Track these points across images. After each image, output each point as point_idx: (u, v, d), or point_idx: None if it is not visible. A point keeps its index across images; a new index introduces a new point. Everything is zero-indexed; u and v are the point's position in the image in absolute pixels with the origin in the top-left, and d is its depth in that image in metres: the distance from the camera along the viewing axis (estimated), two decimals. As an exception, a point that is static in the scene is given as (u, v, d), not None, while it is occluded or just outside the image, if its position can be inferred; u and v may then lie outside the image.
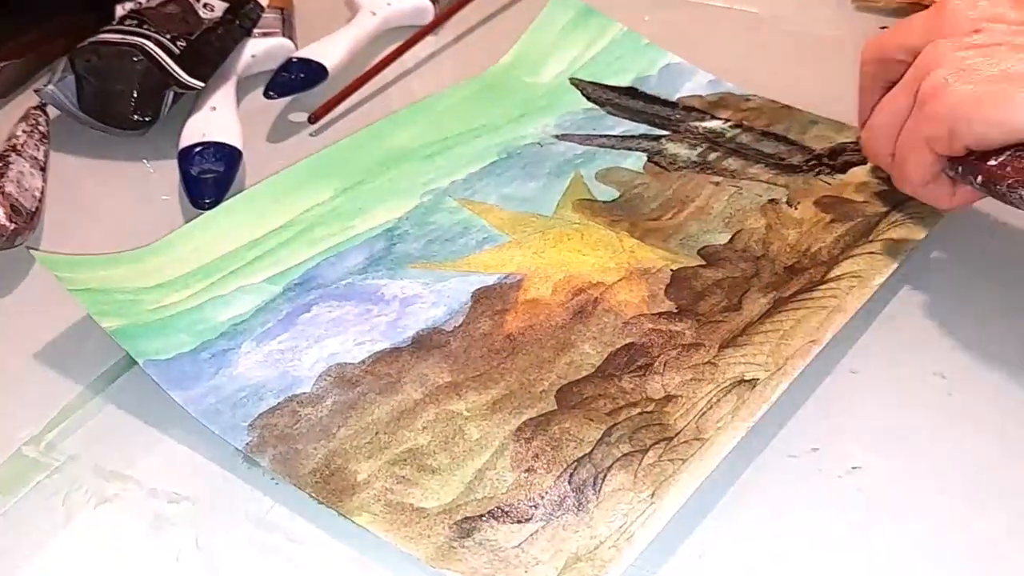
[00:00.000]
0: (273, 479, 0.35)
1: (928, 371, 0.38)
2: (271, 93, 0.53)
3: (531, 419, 0.36)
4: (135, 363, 0.38)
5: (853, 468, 0.35)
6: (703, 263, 0.42)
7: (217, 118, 0.51)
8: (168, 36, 0.51)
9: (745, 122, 0.50)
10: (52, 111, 0.51)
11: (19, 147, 0.48)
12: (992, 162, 0.36)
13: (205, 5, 0.54)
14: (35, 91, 0.52)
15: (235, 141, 0.49)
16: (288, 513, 0.34)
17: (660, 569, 0.32)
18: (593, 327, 0.39)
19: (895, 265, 0.40)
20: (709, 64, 0.54)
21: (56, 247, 0.45)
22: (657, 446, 0.34)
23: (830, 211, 0.44)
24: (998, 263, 0.42)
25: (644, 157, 0.48)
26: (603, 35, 0.56)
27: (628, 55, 0.55)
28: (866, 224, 0.43)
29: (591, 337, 0.39)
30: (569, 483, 0.33)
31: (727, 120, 0.51)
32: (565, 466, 0.34)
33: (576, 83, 0.54)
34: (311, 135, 0.53)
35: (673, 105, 0.52)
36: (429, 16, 0.60)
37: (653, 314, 0.39)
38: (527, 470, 0.34)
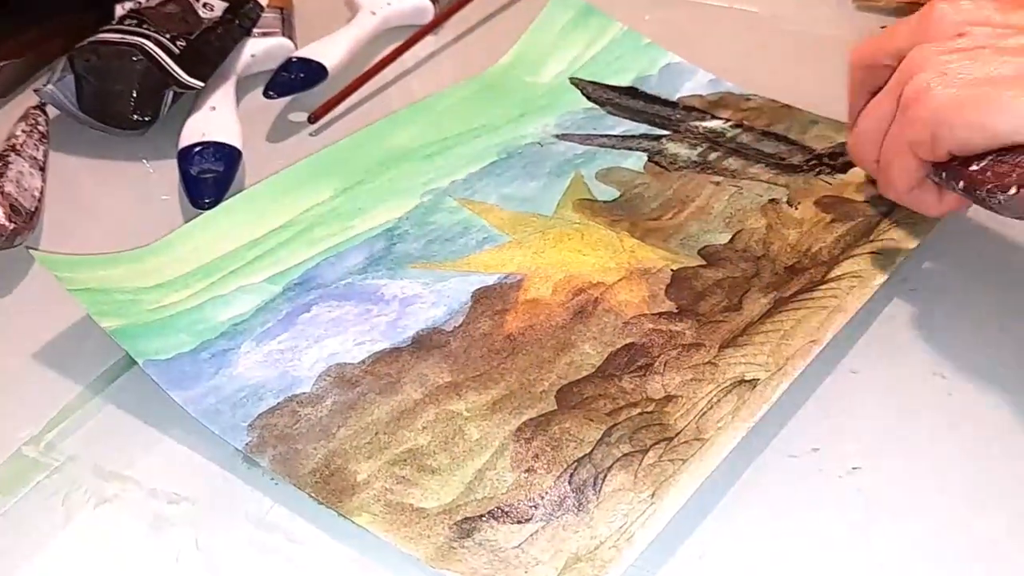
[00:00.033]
0: (273, 479, 0.35)
1: (928, 371, 0.38)
2: (271, 93, 0.53)
3: (531, 419, 0.36)
4: (135, 363, 0.38)
5: (853, 468, 0.35)
6: (703, 263, 0.42)
7: (217, 118, 0.51)
8: (168, 36, 0.51)
9: (745, 122, 0.50)
10: (51, 111, 0.51)
11: (18, 147, 0.48)
12: (974, 167, 0.36)
13: (205, 5, 0.54)
14: (34, 91, 0.52)
15: (235, 141, 0.49)
16: (288, 513, 0.34)
17: (660, 569, 0.32)
18: (593, 327, 0.39)
19: (896, 265, 0.40)
20: (709, 64, 0.54)
21: (56, 247, 0.45)
22: (657, 446, 0.34)
23: (831, 211, 0.44)
24: (999, 264, 0.42)
25: (644, 157, 0.48)
26: (603, 35, 0.56)
27: (628, 55, 0.55)
28: (867, 224, 0.43)
29: (591, 337, 0.39)
30: (569, 483, 0.33)
31: (727, 120, 0.51)
32: (565, 466, 0.34)
33: (576, 83, 0.54)
34: (311, 135, 0.53)
35: (673, 105, 0.52)
36: (429, 16, 0.60)
37: (653, 314, 0.39)
38: (527, 470, 0.34)
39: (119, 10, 0.55)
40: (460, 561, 0.31)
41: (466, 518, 0.33)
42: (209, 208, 0.46)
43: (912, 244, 0.41)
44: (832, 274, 0.40)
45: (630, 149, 0.49)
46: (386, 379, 0.37)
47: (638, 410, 0.36)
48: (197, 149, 0.49)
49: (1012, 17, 0.37)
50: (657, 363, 0.37)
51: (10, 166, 0.46)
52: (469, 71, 0.55)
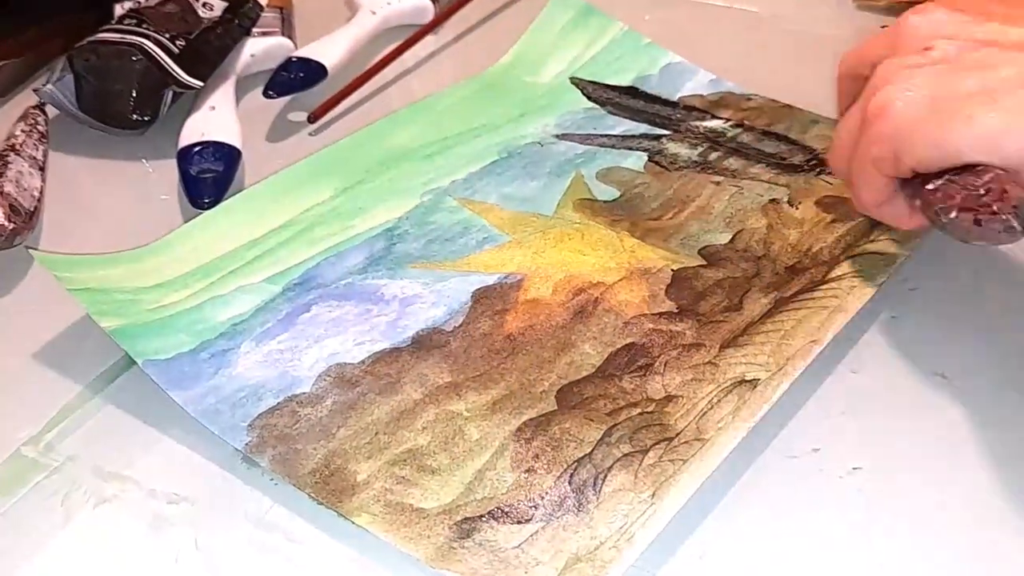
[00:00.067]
0: (272, 479, 0.35)
1: (929, 371, 0.38)
2: (270, 92, 0.53)
3: (531, 419, 0.35)
4: (134, 363, 0.38)
5: (854, 469, 0.35)
6: (704, 263, 0.42)
7: (216, 117, 0.51)
8: (167, 35, 0.51)
9: (746, 121, 0.50)
10: (51, 110, 0.51)
11: (18, 147, 0.48)
12: (930, 185, 0.35)
13: (204, 4, 0.54)
14: (34, 90, 0.52)
15: (234, 140, 0.49)
16: (287, 513, 0.34)
17: (660, 570, 0.32)
18: (593, 327, 0.39)
19: (896, 265, 0.40)
20: (710, 63, 0.54)
21: (55, 247, 0.45)
22: (658, 446, 0.34)
23: (831, 211, 0.44)
24: (1000, 264, 0.42)
25: (645, 157, 0.48)
26: (603, 34, 0.56)
27: (629, 54, 0.55)
28: (867, 224, 0.42)
29: (591, 337, 0.39)
30: (569, 483, 0.33)
31: (728, 120, 0.50)
32: (565, 466, 0.34)
33: (576, 82, 0.54)
34: (310, 134, 0.53)
35: (674, 104, 0.52)
36: (429, 15, 0.60)
37: (654, 314, 0.39)
38: (527, 470, 0.34)
39: (118, 10, 0.55)
40: (460, 561, 0.31)
41: (466, 518, 0.33)
42: (209, 208, 0.46)
43: (913, 244, 0.41)
44: (833, 274, 0.40)
45: (630, 149, 0.49)
46: (386, 379, 0.37)
47: (638, 410, 0.36)
48: (197, 149, 0.49)
49: (981, 30, 0.35)
50: (657, 363, 0.37)
51: (9, 166, 0.46)
52: (469, 71, 0.55)
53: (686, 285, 0.41)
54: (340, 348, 0.39)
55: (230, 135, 0.50)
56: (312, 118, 0.53)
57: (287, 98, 0.54)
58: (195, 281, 0.42)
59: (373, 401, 0.37)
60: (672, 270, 0.41)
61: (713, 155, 0.48)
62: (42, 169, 0.48)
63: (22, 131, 0.49)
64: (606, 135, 0.50)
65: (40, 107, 0.51)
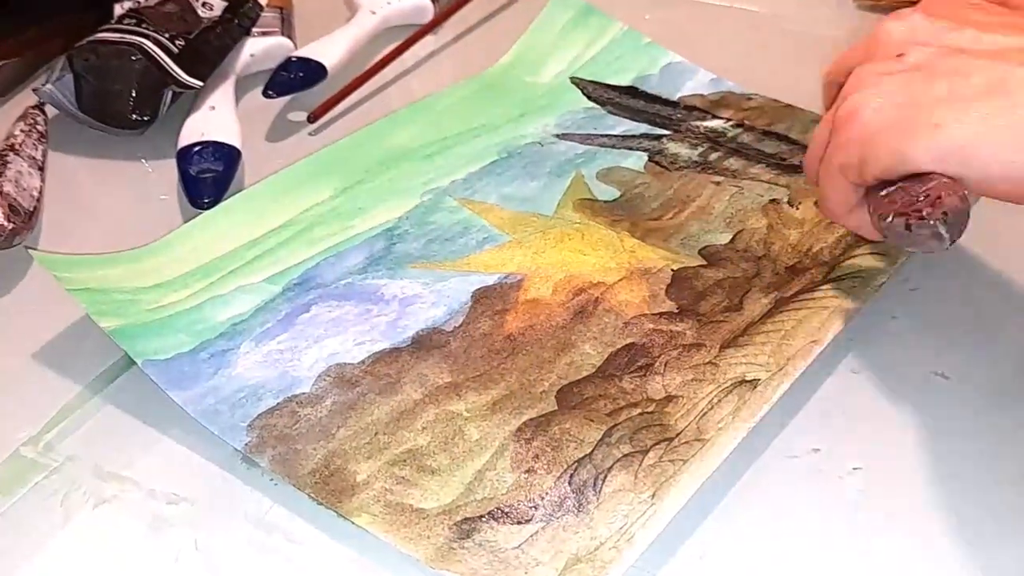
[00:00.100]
0: (272, 480, 0.35)
1: (929, 371, 0.38)
2: (270, 92, 0.53)
3: (531, 419, 0.35)
4: (134, 363, 0.38)
5: (854, 469, 0.35)
6: (704, 263, 0.42)
7: (216, 117, 0.51)
8: (167, 35, 0.51)
9: (747, 121, 0.50)
10: (50, 110, 0.51)
11: (17, 146, 0.48)
12: (882, 192, 0.34)
13: (204, 4, 0.54)
14: (33, 90, 0.52)
15: (234, 140, 0.49)
16: (287, 514, 0.34)
17: (661, 570, 0.32)
18: (594, 327, 0.39)
19: (897, 265, 0.40)
20: (710, 63, 0.54)
21: (54, 247, 0.45)
22: (658, 447, 0.34)
23: (831, 211, 0.44)
24: (1000, 263, 0.42)
25: (645, 157, 0.48)
26: (604, 34, 0.56)
27: (629, 54, 0.55)
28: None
29: (592, 337, 0.39)
30: (569, 484, 0.33)
31: (728, 119, 0.50)
32: (565, 467, 0.34)
33: (577, 82, 0.54)
34: (310, 134, 0.52)
35: (674, 104, 0.52)
36: (429, 15, 0.60)
37: (654, 314, 0.39)
38: (527, 471, 0.34)
39: (118, 9, 0.55)
40: (460, 562, 0.31)
41: (466, 519, 0.33)
42: (208, 208, 0.46)
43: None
44: (833, 274, 0.40)
45: (630, 149, 0.49)
46: (386, 379, 0.37)
47: (638, 410, 0.36)
48: (196, 149, 0.49)
49: (955, 37, 0.35)
50: (657, 363, 0.37)
51: (9, 166, 0.46)
52: (469, 71, 0.55)
53: (686, 285, 0.41)
54: (340, 348, 0.39)
55: (230, 135, 0.49)
56: (312, 118, 0.52)
57: (287, 98, 0.54)
58: (195, 281, 0.42)
59: (373, 401, 0.36)
60: (672, 270, 0.41)
61: (713, 155, 0.48)
62: (41, 169, 0.48)
63: (21, 131, 0.49)
64: (606, 135, 0.50)
65: (39, 107, 0.51)
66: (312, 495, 0.34)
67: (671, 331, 0.39)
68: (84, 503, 0.35)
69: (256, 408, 0.36)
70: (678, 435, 0.34)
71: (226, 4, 0.54)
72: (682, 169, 0.47)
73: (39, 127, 0.50)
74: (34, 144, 0.49)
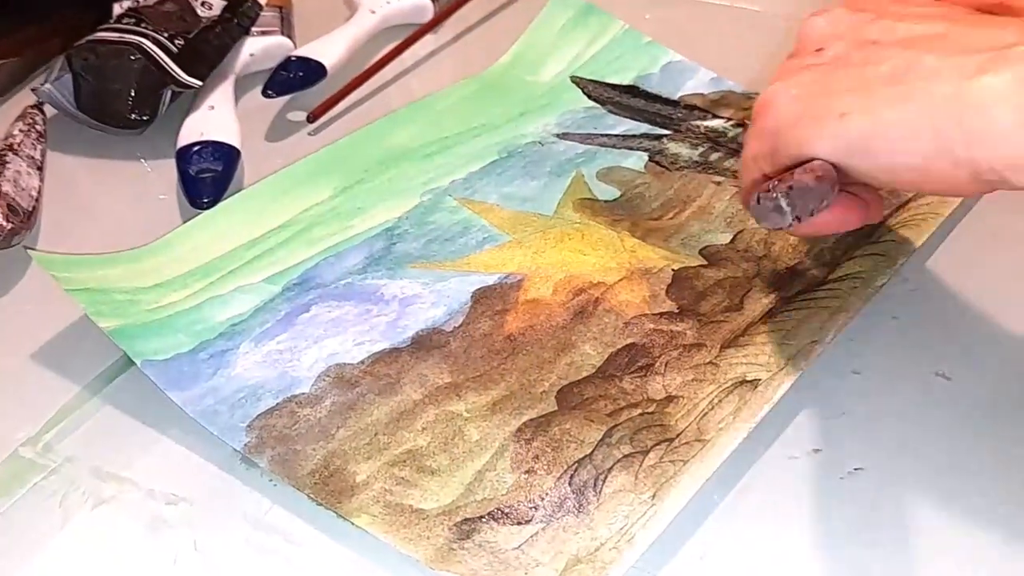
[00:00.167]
0: (271, 480, 0.35)
1: (930, 372, 0.38)
2: (269, 92, 0.52)
3: (531, 420, 0.35)
4: (133, 363, 0.38)
5: (855, 469, 0.35)
6: (705, 263, 0.42)
7: (215, 117, 0.51)
8: (166, 34, 0.51)
9: (747, 121, 0.50)
10: (49, 110, 0.51)
11: (16, 146, 0.48)
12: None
13: (203, 3, 0.54)
14: (32, 90, 0.52)
15: (233, 140, 0.49)
16: (286, 514, 0.34)
17: (661, 570, 0.32)
18: (594, 327, 0.39)
19: (897, 266, 0.40)
20: (711, 62, 0.54)
21: (53, 247, 0.45)
22: (658, 447, 0.34)
23: (832, 210, 0.44)
24: (1000, 264, 0.42)
25: (645, 157, 0.48)
26: (604, 33, 0.56)
27: (629, 53, 0.55)
28: (868, 225, 0.42)
29: (592, 337, 0.38)
30: (569, 484, 0.33)
31: (728, 119, 0.50)
32: (565, 467, 0.34)
33: (577, 81, 0.54)
34: (310, 134, 0.52)
35: (674, 103, 0.52)
36: (428, 14, 0.60)
37: (654, 314, 0.39)
38: (527, 471, 0.34)
39: (117, 9, 0.55)
40: (460, 563, 0.31)
41: (466, 519, 0.32)
42: (208, 208, 0.46)
43: (914, 245, 0.41)
44: (834, 275, 0.40)
45: (631, 149, 0.49)
46: (385, 379, 0.37)
47: (639, 411, 0.35)
48: (196, 148, 0.48)
49: (872, 29, 0.34)
50: (658, 363, 0.37)
51: (8, 165, 0.46)
52: (469, 70, 0.54)
53: (687, 285, 0.41)
54: (339, 348, 0.38)
55: (229, 135, 0.49)
56: (311, 117, 0.52)
57: (286, 97, 0.54)
58: (194, 281, 0.42)
59: (373, 402, 0.36)
60: (673, 270, 0.41)
61: (714, 155, 0.48)
62: (40, 169, 0.48)
63: (20, 131, 0.49)
64: (606, 135, 0.50)
65: (38, 106, 0.51)
66: (311, 496, 0.33)
67: (671, 331, 0.38)
68: (83, 503, 0.35)
69: (255, 408, 0.36)
70: (678, 435, 0.34)
71: (225, 3, 0.54)
72: (682, 169, 0.47)
73: (38, 127, 0.50)
74: (33, 144, 0.49)
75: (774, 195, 0.33)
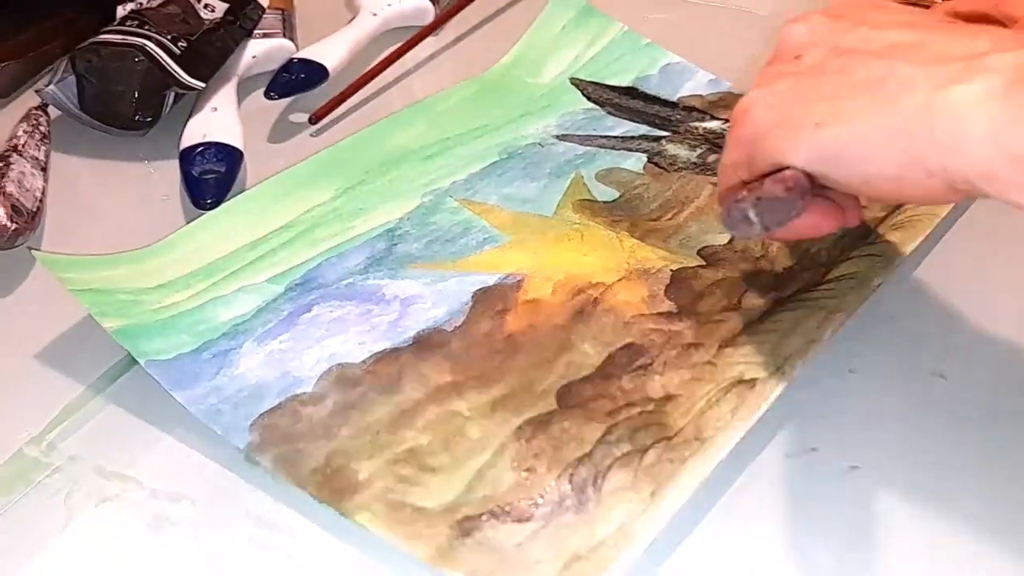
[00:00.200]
0: (274, 479, 0.35)
1: (928, 371, 0.38)
2: (272, 94, 0.53)
3: (531, 419, 0.36)
4: (136, 363, 0.38)
5: (852, 468, 0.35)
6: (703, 263, 0.42)
7: (218, 119, 0.51)
8: (169, 37, 0.51)
9: (745, 122, 0.50)
10: (53, 111, 0.51)
11: (20, 147, 0.48)
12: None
13: (206, 6, 0.54)
14: (36, 91, 0.52)
15: (236, 142, 0.49)
16: (289, 513, 0.34)
17: (660, 568, 0.32)
18: (593, 327, 0.39)
19: (893, 267, 0.40)
20: (709, 64, 0.54)
21: (57, 247, 0.45)
22: (657, 446, 0.34)
23: (830, 211, 0.44)
24: (998, 263, 0.42)
25: (644, 158, 0.49)
26: (603, 35, 0.56)
27: (628, 55, 0.55)
28: (865, 227, 0.43)
29: (591, 337, 0.39)
30: (569, 483, 0.33)
31: (726, 120, 0.51)
32: (565, 466, 0.34)
33: (576, 83, 0.54)
34: (312, 136, 0.53)
35: (673, 105, 0.52)
36: (430, 17, 0.60)
37: (653, 314, 0.39)
38: (527, 470, 0.34)
39: (120, 11, 0.55)
40: (461, 560, 0.31)
41: (467, 517, 0.33)
42: (210, 209, 0.46)
43: (909, 247, 0.41)
44: (831, 275, 0.40)
45: (630, 150, 0.49)
46: (387, 379, 0.37)
47: (638, 410, 0.36)
48: (198, 150, 0.49)
49: (849, 37, 0.34)
50: (656, 363, 0.37)
51: (12, 166, 0.46)
52: (470, 72, 0.55)
53: (685, 285, 0.41)
54: (341, 348, 0.39)
55: (232, 136, 0.50)
56: (313, 119, 0.53)
57: (288, 99, 0.54)
58: (197, 281, 0.42)
59: (374, 401, 0.37)
60: (671, 270, 0.41)
61: (712, 157, 0.48)
62: (44, 170, 0.48)
63: (24, 132, 0.49)
64: (606, 136, 0.50)
65: (42, 108, 0.51)
66: (314, 494, 0.34)
67: (670, 331, 0.39)
68: (86, 502, 0.35)
69: (258, 407, 0.36)
70: (677, 434, 0.35)
71: (228, 6, 0.54)
72: (681, 170, 0.48)
73: (42, 128, 0.50)
74: (37, 145, 0.49)
75: (743, 205, 0.33)
